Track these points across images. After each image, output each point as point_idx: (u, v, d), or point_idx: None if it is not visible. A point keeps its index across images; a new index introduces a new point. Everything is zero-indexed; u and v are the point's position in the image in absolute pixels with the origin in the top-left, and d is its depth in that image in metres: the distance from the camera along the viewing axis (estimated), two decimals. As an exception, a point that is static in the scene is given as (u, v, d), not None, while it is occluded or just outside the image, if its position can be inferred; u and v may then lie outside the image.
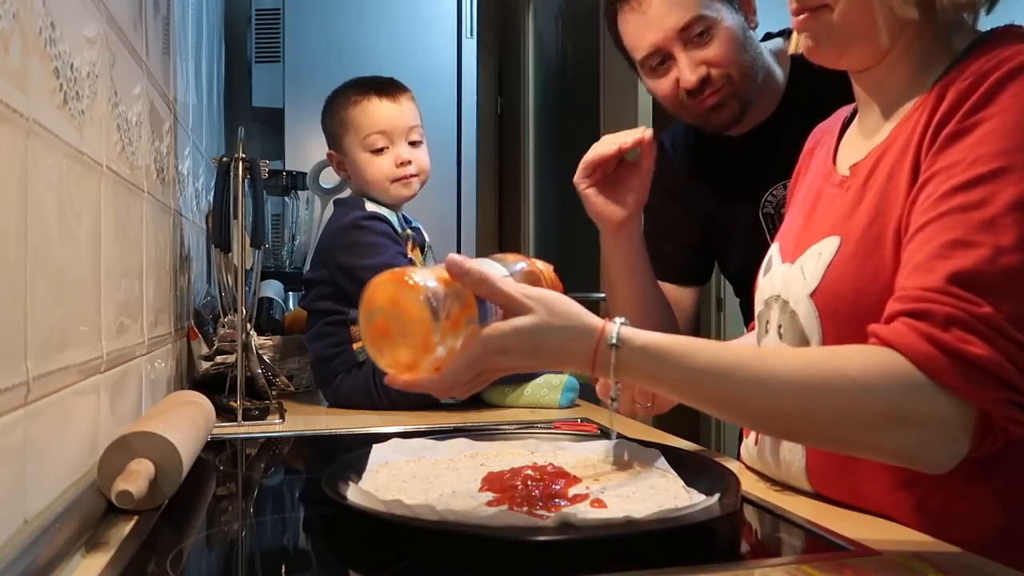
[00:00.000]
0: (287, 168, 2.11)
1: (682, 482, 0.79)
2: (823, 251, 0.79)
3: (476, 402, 1.37)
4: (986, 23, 0.80)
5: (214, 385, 1.33)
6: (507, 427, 1.13)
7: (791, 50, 0.86)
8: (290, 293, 1.85)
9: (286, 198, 1.75)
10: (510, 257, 0.82)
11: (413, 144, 1.47)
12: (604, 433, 1.08)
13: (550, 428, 1.09)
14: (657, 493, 0.76)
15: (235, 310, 1.29)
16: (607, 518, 0.66)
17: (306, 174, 1.70)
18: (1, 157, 0.59)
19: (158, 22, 1.25)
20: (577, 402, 1.39)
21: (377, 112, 1.44)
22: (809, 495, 0.82)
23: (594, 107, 2.56)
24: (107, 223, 0.89)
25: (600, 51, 2.53)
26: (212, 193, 1.33)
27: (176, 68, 1.45)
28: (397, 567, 0.64)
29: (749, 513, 0.77)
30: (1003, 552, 0.66)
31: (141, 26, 1.10)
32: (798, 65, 1.24)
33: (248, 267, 1.30)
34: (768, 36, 1.31)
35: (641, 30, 1.18)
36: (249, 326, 1.29)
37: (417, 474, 0.83)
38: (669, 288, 1.33)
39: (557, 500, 0.73)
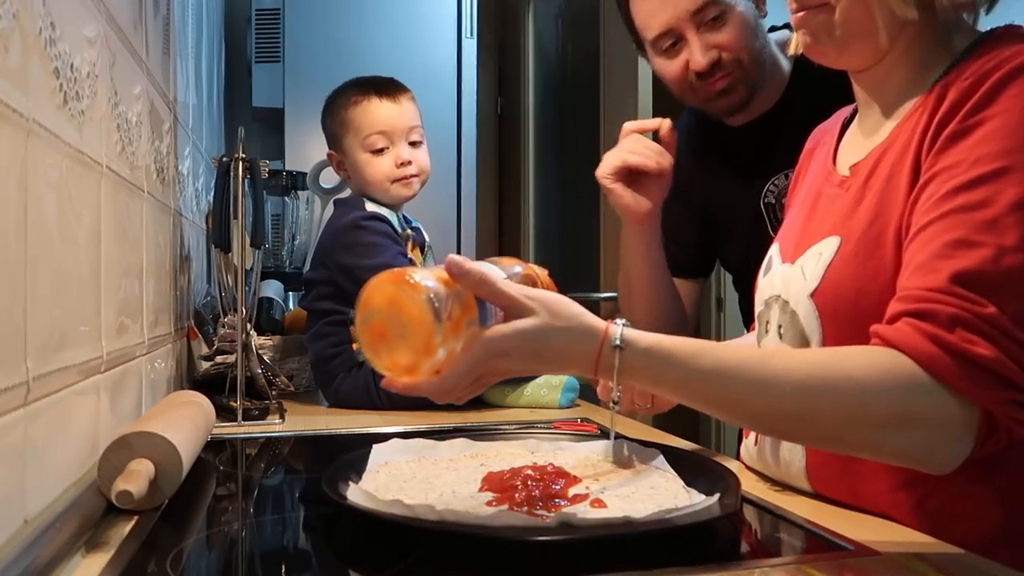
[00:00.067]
0: (287, 168, 2.11)
1: (682, 482, 0.79)
2: (823, 251, 0.79)
3: (476, 402, 1.37)
4: (986, 23, 0.80)
5: (214, 385, 1.33)
6: (507, 427, 1.13)
7: (791, 50, 0.86)
8: (290, 293, 1.85)
9: (286, 198, 1.75)
10: (506, 261, 0.82)
11: (413, 144, 1.47)
12: (604, 433, 1.08)
13: (550, 428, 1.09)
14: (657, 493, 0.76)
15: (235, 310, 1.29)
16: (607, 518, 0.66)
17: (306, 174, 1.70)
18: (1, 157, 0.59)
19: (158, 22, 1.25)
20: (577, 402, 1.39)
21: (377, 112, 1.44)
22: (809, 495, 0.82)
23: (594, 107, 2.56)
24: (107, 223, 0.89)
25: (600, 51, 2.53)
26: (212, 193, 1.33)
27: (176, 68, 1.45)
28: (397, 567, 0.64)
29: (749, 513, 0.77)
30: (1004, 552, 0.66)
31: (141, 26, 1.10)
32: (802, 58, 1.25)
33: (248, 267, 1.30)
34: (773, 29, 1.31)
35: (654, 10, 1.19)
36: (249, 326, 1.29)
37: (417, 474, 0.83)
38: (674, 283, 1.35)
39: (557, 500, 0.73)
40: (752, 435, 0.92)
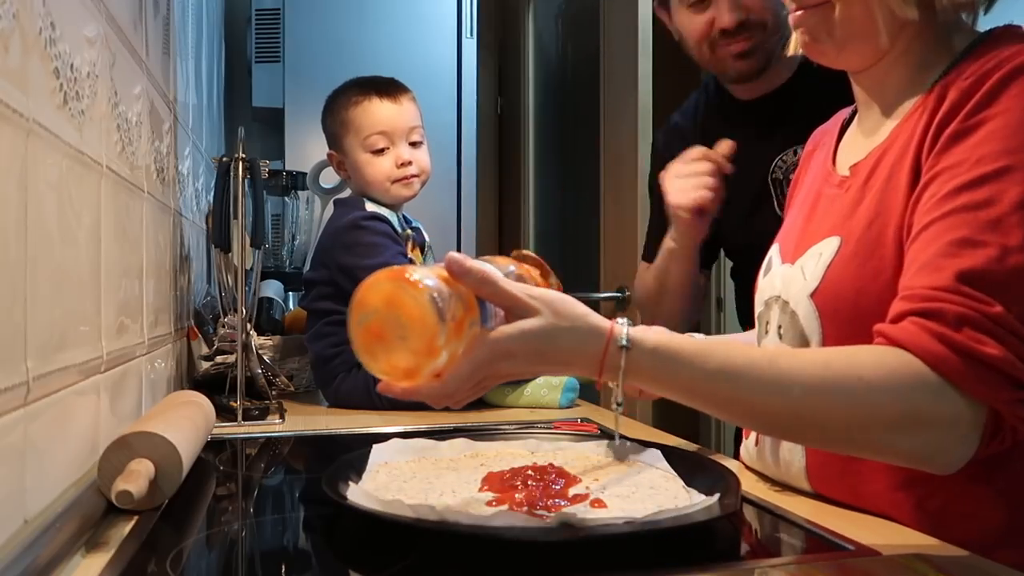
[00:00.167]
0: (287, 168, 2.11)
1: (682, 482, 0.79)
2: (823, 251, 0.79)
3: (476, 402, 1.36)
4: (985, 23, 0.80)
5: (214, 385, 1.33)
6: (507, 427, 1.13)
7: (789, 51, 0.86)
8: (290, 293, 1.85)
9: (286, 198, 1.75)
10: (500, 260, 0.79)
11: (414, 144, 1.47)
12: (604, 433, 1.08)
13: (550, 428, 1.08)
14: (657, 493, 0.76)
15: (235, 310, 1.29)
16: (607, 518, 0.66)
17: (306, 174, 1.70)
18: (1, 157, 0.59)
19: (158, 22, 1.25)
20: (577, 402, 1.39)
21: (378, 112, 1.44)
22: (809, 495, 0.81)
23: (594, 107, 2.56)
24: (107, 223, 0.89)
25: (600, 51, 2.52)
26: (212, 193, 1.34)
27: (176, 68, 1.45)
28: (397, 567, 0.64)
29: (749, 513, 0.77)
30: (1005, 552, 0.66)
31: (141, 26, 1.10)
32: None
33: (248, 267, 1.30)
34: None
35: None
36: (249, 326, 1.29)
37: (417, 474, 0.83)
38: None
39: (557, 500, 0.73)
40: (752, 435, 0.91)
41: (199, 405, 1.00)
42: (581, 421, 1.22)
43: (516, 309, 0.68)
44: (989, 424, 0.65)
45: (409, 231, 1.49)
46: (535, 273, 0.83)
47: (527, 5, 3.21)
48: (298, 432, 1.19)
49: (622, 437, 0.90)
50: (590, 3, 2.63)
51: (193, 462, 0.86)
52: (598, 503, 0.72)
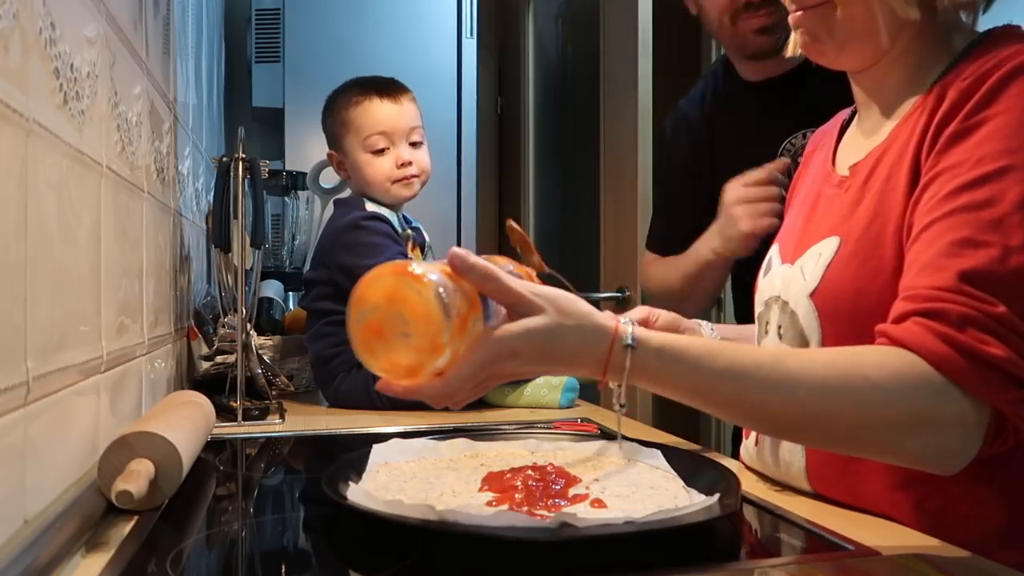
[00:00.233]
0: (287, 168, 2.11)
1: (682, 482, 0.79)
2: (823, 251, 0.79)
3: (476, 402, 1.36)
4: (984, 23, 0.80)
5: (214, 385, 1.33)
6: (507, 427, 1.13)
7: (788, 52, 0.86)
8: (290, 293, 1.85)
9: (286, 198, 1.75)
10: (499, 259, 0.77)
11: (414, 145, 1.47)
12: (604, 433, 1.08)
13: (550, 428, 1.09)
14: (657, 493, 0.76)
15: (235, 310, 1.29)
16: (607, 518, 0.66)
17: (306, 174, 1.70)
18: (1, 157, 0.59)
19: (158, 22, 1.25)
20: (577, 402, 1.39)
21: (378, 113, 1.44)
22: (809, 495, 0.81)
23: (594, 107, 2.56)
24: (107, 223, 0.89)
25: (600, 51, 2.52)
26: (212, 193, 1.33)
27: (176, 68, 1.45)
28: (397, 567, 0.64)
29: (749, 513, 0.77)
30: (1005, 553, 0.66)
31: (141, 26, 1.10)
32: None
33: (248, 267, 1.30)
34: None
35: None
36: (249, 326, 1.29)
37: (417, 474, 0.83)
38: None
39: (557, 500, 0.73)
40: (752, 435, 0.91)
41: (199, 405, 1.00)
42: (581, 421, 1.22)
43: (520, 307, 0.67)
44: (992, 424, 0.65)
45: (409, 231, 1.49)
46: (533, 274, 0.82)
47: (527, 5, 3.21)
48: (298, 432, 1.19)
49: (624, 438, 0.89)
50: (590, 3, 2.63)
51: (193, 462, 0.86)
52: (598, 503, 0.72)
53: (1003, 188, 0.66)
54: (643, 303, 1.07)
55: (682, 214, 1.43)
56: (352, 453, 0.87)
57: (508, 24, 3.38)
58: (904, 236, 0.72)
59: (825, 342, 0.77)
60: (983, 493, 0.72)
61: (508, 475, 0.79)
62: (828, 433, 0.69)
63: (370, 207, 1.43)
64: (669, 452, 0.86)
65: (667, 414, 0.96)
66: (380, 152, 1.44)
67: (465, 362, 0.65)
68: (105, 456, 0.76)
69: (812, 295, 0.78)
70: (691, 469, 0.82)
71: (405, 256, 1.41)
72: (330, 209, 1.55)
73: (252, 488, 0.95)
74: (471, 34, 2.69)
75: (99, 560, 0.64)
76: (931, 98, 0.75)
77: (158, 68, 1.25)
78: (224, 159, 1.31)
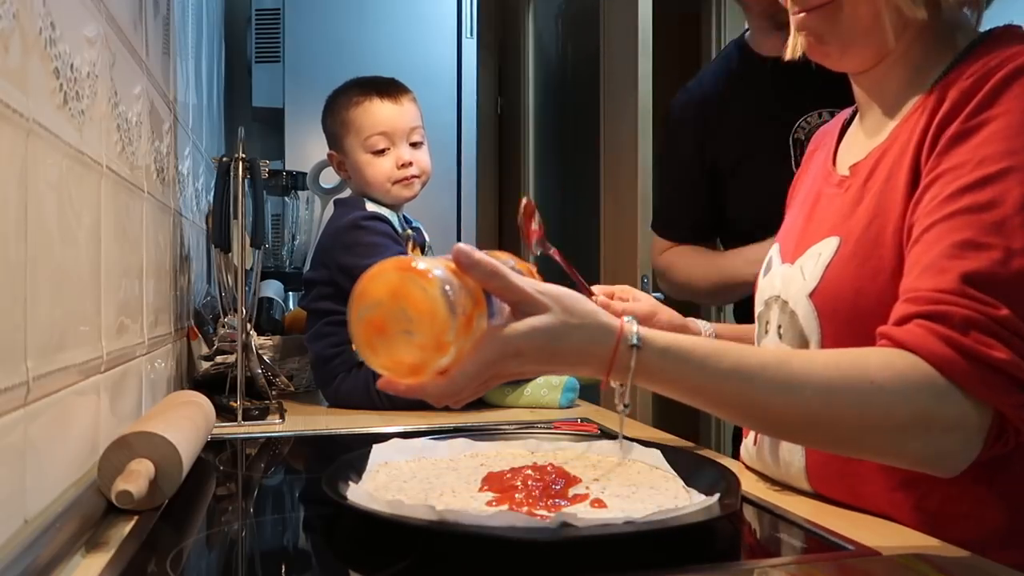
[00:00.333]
0: (287, 168, 2.11)
1: (682, 482, 0.79)
2: (823, 251, 0.79)
3: (476, 402, 1.37)
4: (983, 23, 0.80)
5: (214, 385, 1.33)
6: (507, 427, 1.13)
7: (787, 54, 0.85)
8: (290, 293, 1.85)
9: (286, 198, 1.75)
10: (500, 255, 0.76)
11: (414, 145, 1.47)
12: (604, 433, 1.08)
13: (550, 428, 1.09)
14: (657, 493, 0.76)
15: (235, 310, 1.29)
16: (607, 518, 0.66)
17: (306, 174, 1.70)
18: (1, 157, 0.59)
19: (158, 22, 1.25)
20: (577, 402, 1.39)
21: (378, 113, 1.44)
22: (809, 495, 0.81)
23: (594, 107, 2.56)
24: (107, 223, 0.89)
25: (600, 51, 2.53)
26: (212, 193, 1.33)
27: (176, 68, 1.45)
28: (397, 567, 0.64)
29: (749, 513, 0.77)
30: (1005, 554, 0.66)
31: (141, 26, 1.10)
32: None
33: (248, 267, 1.30)
34: None
35: None
36: (249, 326, 1.29)
37: (417, 474, 0.83)
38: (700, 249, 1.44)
39: (557, 500, 0.73)
40: (751, 435, 0.91)
41: (199, 405, 1.00)
42: (581, 421, 1.22)
43: (524, 305, 0.66)
44: (993, 426, 0.65)
45: (409, 231, 1.49)
46: (533, 270, 0.82)
47: (527, 5, 3.21)
48: (298, 432, 1.19)
49: (626, 438, 0.89)
50: (590, 3, 2.64)
51: (193, 462, 0.86)
52: (598, 503, 0.72)
53: (1005, 190, 0.66)
54: (654, 289, 1.07)
55: (689, 196, 1.44)
56: (352, 453, 0.87)
57: (508, 24, 3.38)
58: (904, 237, 0.72)
59: (824, 342, 0.77)
60: (983, 494, 0.72)
61: (508, 475, 0.79)
62: (830, 434, 0.69)
63: (370, 207, 1.43)
64: (669, 452, 0.86)
65: (667, 414, 0.97)
66: (380, 152, 1.44)
67: (470, 360, 0.64)
68: (105, 456, 0.76)
69: (812, 295, 0.78)
70: (691, 469, 0.82)
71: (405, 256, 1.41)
72: (330, 209, 1.55)
73: (252, 488, 0.95)
74: (471, 34, 2.69)
75: (99, 560, 0.64)
76: (932, 98, 0.74)
77: (158, 68, 1.25)
78: (224, 159, 1.31)
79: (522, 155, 3.21)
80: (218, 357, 1.37)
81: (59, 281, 0.72)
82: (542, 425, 1.16)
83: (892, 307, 0.70)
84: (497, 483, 0.77)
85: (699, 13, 2.75)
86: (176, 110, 1.43)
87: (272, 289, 1.70)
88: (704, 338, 0.71)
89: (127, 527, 0.71)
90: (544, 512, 0.70)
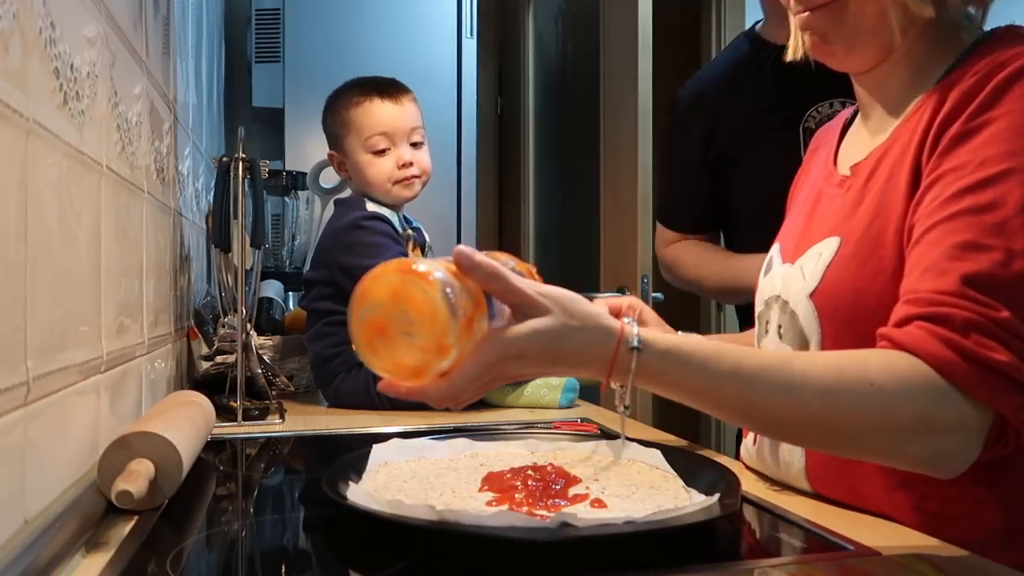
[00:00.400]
0: (287, 168, 2.11)
1: (682, 482, 0.79)
2: (823, 251, 0.79)
3: (476, 402, 1.36)
4: (984, 24, 0.80)
5: (214, 385, 1.33)
6: (507, 427, 1.13)
7: (788, 55, 0.85)
8: (290, 293, 1.85)
9: (286, 198, 1.75)
10: (500, 256, 0.76)
11: (415, 145, 1.47)
12: (605, 434, 1.08)
13: (550, 428, 1.09)
14: (657, 493, 0.76)
15: (235, 310, 1.29)
16: (607, 518, 0.66)
17: (306, 174, 1.70)
18: (1, 157, 0.59)
19: (158, 22, 1.25)
20: (577, 402, 1.39)
21: (379, 113, 1.44)
22: (809, 495, 0.81)
23: (594, 107, 2.56)
24: (107, 223, 0.89)
25: (600, 51, 2.52)
26: (212, 193, 1.33)
27: (176, 68, 1.45)
28: (397, 567, 0.64)
29: (749, 513, 0.77)
30: (1004, 555, 0.66)
31: (141, 26, 1.10)
32: None
33: (248, 267, 1.30)
34: None
35: None
36: (249, 326, 1.29)
37: (417, 474, 0.83)
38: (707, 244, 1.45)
39: (557, 500, 0.73)
40: (751, 435, 0.91)
41: (199, 405, 1.00)
42: (581, 421, 1.22)
43: (525, 307, 0.66)
44: (994, 428, 0.65)
45: (410, 231, 1.49)
46: (532, 271, 0.81)
47: (527, 5, 3.21)
48: (298, 432, 1.19)
49: (626, 438, 0.89)
50: (590, 3, 2.63)
51: (193, 462, 0.86)
52: (598, 503, 0.72)
53: (1006, 191, 0.66)
54: (655, 288, 1.06)
55: (696, 186, 1.44)
56: (352, 453, 0.87)
57: (508, 24, 3.38)
58: (904, 237, 0.72)
59: (825, 342, 0.77)
60: (983, 495, 0.72)
61: (508, 475, 0.79)
62: (830, 436, 0.68)
63: (371, 207, 1.43)
64: (669, 452, 0.86)
65: (667, 414, 0.96)
66: (381, 153, 1.44)
67: (471, 363, 0.64)
68: (105, 456, 0.76)
69: (812, 295, 0.78)
70: (691, 469, 0.82)
71: (405, 256, 1.41)
72: (330, 209, 1.55)
73: (252, 488, 0.95)
74: (471, 34, 2.69)
75: (99, 560, 0.64)
76: (934, 98, 0.74)
77: (158, 68, 1.25)
78: (224, 159, 1.31)
79: (522, 155, 3.21)
80: (218, 357, 1.37)
81: (59, 281, 0.72)
82: (542, 425, 1.16)
83: (892, 307, 0.70)
84: (497, 483, 0.77)
85: (699, 12, 2.75)
86: (176, 110, 1.43)
87: (272, 289, 1.70)
88: (704, 340, 0.70)
89: (127, 527, 0.71)
90: (544, 512, 0.70)
